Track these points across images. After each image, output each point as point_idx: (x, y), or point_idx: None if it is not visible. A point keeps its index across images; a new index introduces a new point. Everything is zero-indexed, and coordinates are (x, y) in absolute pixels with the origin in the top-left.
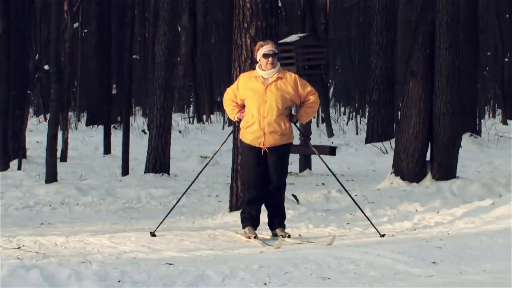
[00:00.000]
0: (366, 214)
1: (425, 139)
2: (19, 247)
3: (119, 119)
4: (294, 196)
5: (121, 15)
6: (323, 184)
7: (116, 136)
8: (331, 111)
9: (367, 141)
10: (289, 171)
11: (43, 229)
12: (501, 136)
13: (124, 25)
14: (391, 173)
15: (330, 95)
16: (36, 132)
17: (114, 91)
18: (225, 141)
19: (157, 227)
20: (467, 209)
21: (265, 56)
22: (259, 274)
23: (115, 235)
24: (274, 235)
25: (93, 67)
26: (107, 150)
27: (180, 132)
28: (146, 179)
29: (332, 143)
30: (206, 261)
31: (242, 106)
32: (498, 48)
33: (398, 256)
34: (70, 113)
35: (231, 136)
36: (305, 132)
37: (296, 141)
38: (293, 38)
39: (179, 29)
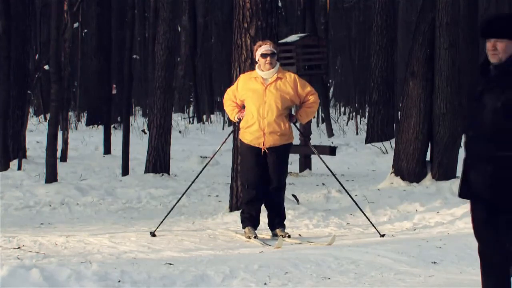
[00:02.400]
0: (366, 214)
1: (425, 139)
2: (19, 247)
3: (119, 119)
4: (294, 196)
5: (121, 15)
6: (323, 184)
7: (116, 136)
8: (331, 111)
9: (367, 141)
10: (289, 171)
11: (43, 229)
12: None
13: (124, 25)
14: (391, 173)
15: (330, 95)
16: (36, 132)
17: (114, 91)
18: (225, 141)
19: (157, 227)
20: (467, 209)
21: (263, 56)
22: (259, 274)
23: (115, 235)
24: (274, 235)
25: (93, 67)
26: (107, 150)
27: (180, 132)
28: (146, 179)
29: (332, 143)
30: (206, 261)
31: (242, 107)
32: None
33: (398, 256)
34: (70, 113)
35: (231, 136)
36: (305, 132)
37: (296, 141)
38: (293, 38)
39: (179, 29)
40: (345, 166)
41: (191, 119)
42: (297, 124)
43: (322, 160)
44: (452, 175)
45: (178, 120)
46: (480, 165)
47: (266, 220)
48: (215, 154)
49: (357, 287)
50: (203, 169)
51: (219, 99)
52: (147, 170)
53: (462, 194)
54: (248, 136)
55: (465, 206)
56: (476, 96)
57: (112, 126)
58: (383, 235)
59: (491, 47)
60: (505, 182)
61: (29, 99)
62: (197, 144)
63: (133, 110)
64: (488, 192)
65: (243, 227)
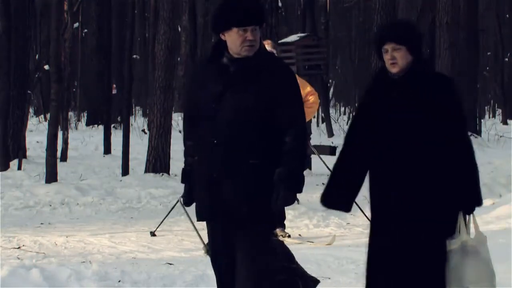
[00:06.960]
0: (366, 214)
1: None
2: (19, 247)
3: (119, 119)
4: None
5: (121, 15)
6: (323, 184)
7: (116, 136)
8: (331, 111)
9: None
10: None
11: (43, 229)
12: (501, 136)
13: (124, 25)
14: None
15: (330, 95)
16: (36, 132)
17: (114, 91)
18: None
19: (157, 227)
20: None
21: None
22: None
23: (115, 235)
24: (274, 235)
25: (93, 67)
26: (107, 150)
27: (180, 132)
28: (146, 179)
29: (332, 143)
30: (206, 261)
31: None
32: (498, 48)
33: None
34: (70, 113)
35: None
36: None
37: None
38: (293, 38)
39: (179, 29)
40: None
41: None
42: None
43: (322, 160)
44: None
45: (178, 120)
46: (217, 178)
47: None
48: None
49: (357, 287)
50: None
51: None
52: (147, 170)
53: (199, 215)
54: None
55: None
56: (215, 97)
57: (112, 126)
58: None
59: (250, 36)
60: (248, 195)
61: (29, 99)
62: None
63: (133, 110)
64: (230, 209)
65: None
